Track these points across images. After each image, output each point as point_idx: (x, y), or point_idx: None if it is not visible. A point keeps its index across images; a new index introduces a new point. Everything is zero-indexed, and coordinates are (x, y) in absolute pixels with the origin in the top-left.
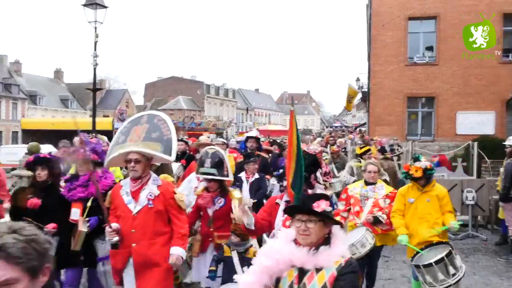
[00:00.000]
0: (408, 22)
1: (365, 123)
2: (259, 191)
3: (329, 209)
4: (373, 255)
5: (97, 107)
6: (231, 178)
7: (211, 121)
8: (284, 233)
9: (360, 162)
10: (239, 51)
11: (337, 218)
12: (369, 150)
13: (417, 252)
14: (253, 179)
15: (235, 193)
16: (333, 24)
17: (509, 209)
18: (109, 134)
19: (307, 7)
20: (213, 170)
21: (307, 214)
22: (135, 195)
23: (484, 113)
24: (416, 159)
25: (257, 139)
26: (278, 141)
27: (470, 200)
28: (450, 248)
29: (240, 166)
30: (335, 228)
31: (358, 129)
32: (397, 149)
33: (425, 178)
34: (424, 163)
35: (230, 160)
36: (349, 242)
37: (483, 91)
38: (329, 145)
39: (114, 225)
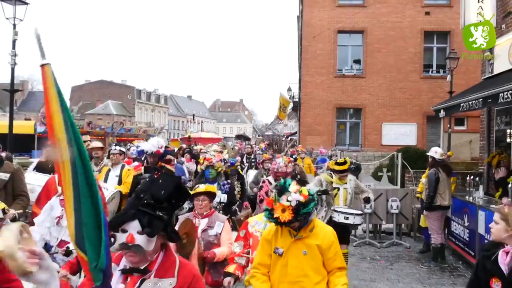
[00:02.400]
0: (337, 35)
1: (296, 132)
2: None
3: None
4: None
5: (19, 109)
6: None
7: (142, 127)
8: None
9: (332, 176)
10: (171, 56)
11: (232, 267)
12: (348, 168)
13: None
14: None
15: None
16: (266, 33)
17: (433, 218)
18: (31, 138)
19: (240, 16)
20: None
21: None
22: None
23: (407, 124)
24: (281, 189)
25: (155, 155)
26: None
27: (395, 209)
28: None
29: (137, 182)
30: None
31: (289, 138)
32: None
33: (299, 220)
34: (295, 196)
35: (129, 175)
36: None
37: (406, 104)
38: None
39: None
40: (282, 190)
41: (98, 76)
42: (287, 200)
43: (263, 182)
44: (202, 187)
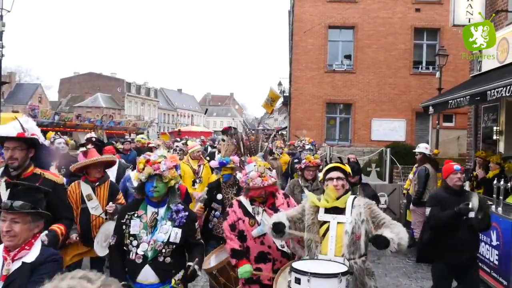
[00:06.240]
0: (328, 30)
1: (286, 127)
2: None
3: None
4: None
5: (6, 101)
6: None
7: (131, 121)
8: None
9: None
10: (161, 49)
11: None
12: (333, 168)
13: None
14: None
15: None
16: (257, 28)
17: (418, 213)
18: None
19: (231, 10)
20: None
21: None
22: None
23: (396, 120)
24: None
25: (18, 144)
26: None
27: (383, 204)
28: None
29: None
30: None
31: (280, 132)
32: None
33: None
34: None
35: None
36: None
37: (396, 100)
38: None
39: None
40: None
41: (87, 68)
42: None
43: (230, 206)
44: None
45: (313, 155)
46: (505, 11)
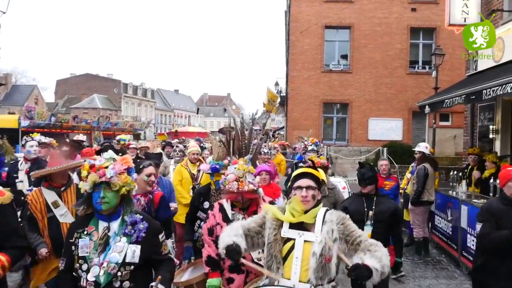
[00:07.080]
0: (324, 30)
1: (283, 127)
2: None
3: None
4: None
5: (2, 103)
6: None
7: (128, 121)
8: None
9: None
10: (158, 50)
11: None
12: (303, 175)
13: None
14: None
15: None
16: (254, 28)
17: (417, 212)
18: (15, 132)
19: (227, 10)
20: None
21: None
22: None
23: (393, 120)
24: None
25: None
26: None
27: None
28: None
29: None
30: None
31: (277, 132)
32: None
33: None
34: None
35: None
36: None
37: (392, 99)
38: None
39: None
40: None
41: (84, 69)
42: None
43: (211, 208)
44: None
45: (318, 156)
46: (501, 10)
